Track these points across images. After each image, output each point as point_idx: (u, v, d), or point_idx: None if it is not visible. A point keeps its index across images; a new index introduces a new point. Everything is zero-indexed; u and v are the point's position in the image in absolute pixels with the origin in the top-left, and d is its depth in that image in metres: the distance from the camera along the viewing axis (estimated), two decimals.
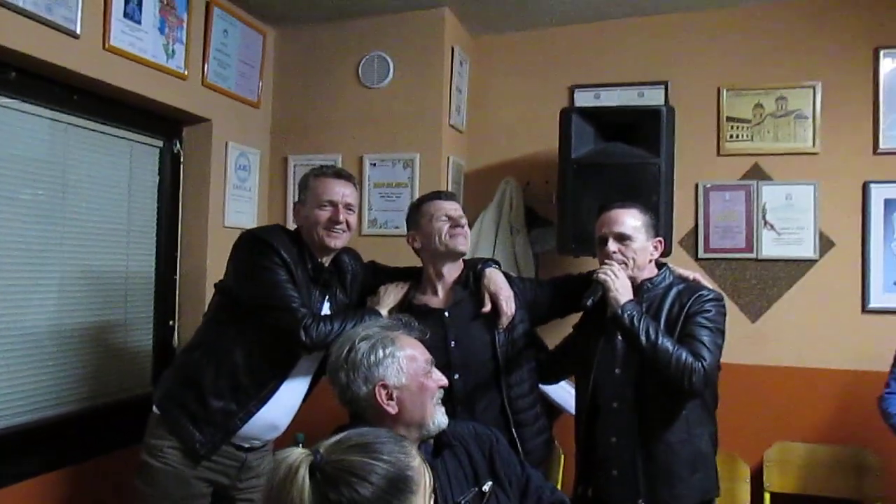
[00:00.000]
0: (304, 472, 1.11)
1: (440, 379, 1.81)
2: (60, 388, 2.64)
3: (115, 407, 2.83)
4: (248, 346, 2.18)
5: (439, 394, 1.79)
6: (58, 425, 2.61)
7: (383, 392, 1.73)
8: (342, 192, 2.26)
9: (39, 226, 2.56)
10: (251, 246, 2.19)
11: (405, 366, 1.76)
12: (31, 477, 2.49)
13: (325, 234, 2.23)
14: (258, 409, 2.19)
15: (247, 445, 2.27)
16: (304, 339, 2.08)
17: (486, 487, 1.80)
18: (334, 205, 2.24)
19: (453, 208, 2.34)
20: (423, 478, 1.21)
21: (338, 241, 2.26)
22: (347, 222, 2.26)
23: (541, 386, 2.51)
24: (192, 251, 3.15)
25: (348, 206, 2.26)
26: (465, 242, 2.34)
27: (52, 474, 2.57)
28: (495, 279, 2.32)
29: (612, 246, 2.21)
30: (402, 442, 1.25)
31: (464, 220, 2.34)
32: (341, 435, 1.22)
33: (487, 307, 2.28)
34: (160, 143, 3.09)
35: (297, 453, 1.15)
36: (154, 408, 2.23)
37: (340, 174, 2.32)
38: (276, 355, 2.19)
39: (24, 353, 2.51)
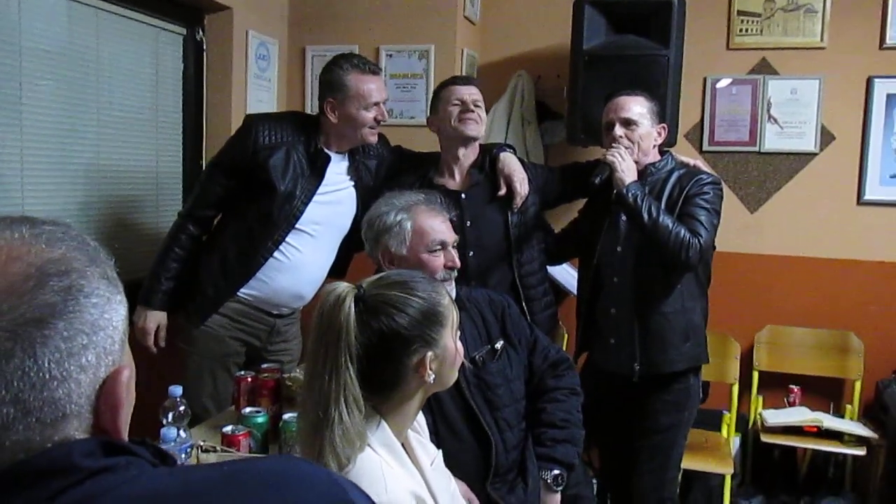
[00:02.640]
0: (349, 302, 1.30)
1: (450, 261, 1.93)
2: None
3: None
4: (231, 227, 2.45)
5: (443, 273, 1.91)
6: None
7: (386, 258, 1.92)
8: (382, 89, 2.41)
9: (71, 110, 2.66)
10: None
11: (408, 238, 1.91)
12: None
13: (370, 132, 2.40)
14: (245, 283, 2.41)
15: (275, 312, 2.48)
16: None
17: (497, 345, 1.99)
18: (378, 105, 2.37)
19: (468, 92, 2.42)
20: (451, 314, 1.41)
21: (376, 137, 2.45)
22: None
23: (548, 269, 2.70)
24: (216, 140, 3.26)
25: (385, 102, 2.42)
26: (476, 127, 2.42)
27: None
28: (510, 163, 2.45)
29: (619, 130, 2.35)
30: (434, 283, 1.45)
31: (478, 105, 2.42)
32: (383, 273, 1.42)
33: (503, 190, 2.41)
34: (183, 31, 3.17)
35: (344, 286, 1.34)
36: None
37: (377, 71, 2.44)
38: (252, 233, 2.40)
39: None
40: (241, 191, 2.42)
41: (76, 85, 2.68)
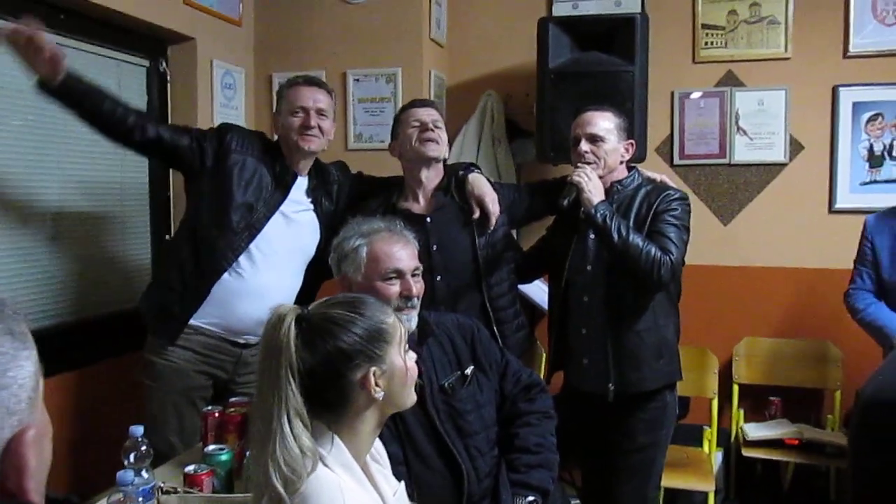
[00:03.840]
0: (290, 319, 1.32)
1: (405, 289, 1.89)
2: (65, 298, 2.77)
3: (118, 315, 2.96)
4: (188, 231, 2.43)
5: (398, 301, 1.88)
6: (62, 333, 2.73)
7: (345, 284, 1.93)
8: (313, 97, 2.41)
9: (35, 150, 2.63)
10: None
11: (363, 265, 1.90)
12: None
13: (299, 137, 2.39)
14: (208, 291, 2.36)
15: (241, 341, 2.43)
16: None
17: (468, 371, 1.96)
18: (306, 111, 2.39)
19: (427, 114, 2.41)
20: (398, 332, 1.42)
21: (311, 144, 2.41)
22: (320, 127, 2.40)
23: (520, 287, 2.67)
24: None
25: (320, 112, 2.41)
26: (436, 148, 2.39)
27: (63, 376, 2.71)
28: (479, 184, 2.43)
29: (584, 146, 2.33)
30: (381, 304, 1.46)
31: (437, 125, 2.40)
32: (332, 296, 1.42)
33: (476, 213, 2.38)
34: (146, 63, 3.14)
35: (287, 306, 1.36)
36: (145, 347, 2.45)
37: (311, 81, 2.47)
38: (209, 241, 2.37)
39: (24, 267, 2.62)
40: (197, 182, 2.42)
41: (40, 120, 2.65)
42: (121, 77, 3.02)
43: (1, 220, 2.52)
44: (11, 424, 0.63)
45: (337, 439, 1.35)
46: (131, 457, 1.74)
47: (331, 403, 1.36)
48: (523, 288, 2.80)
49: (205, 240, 2.36)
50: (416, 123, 2.39)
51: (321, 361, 1.33)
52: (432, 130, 2.38)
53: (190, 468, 1.80)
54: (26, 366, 0.65)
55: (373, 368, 1.36)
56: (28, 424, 0.64)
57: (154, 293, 2.47)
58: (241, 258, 2.36)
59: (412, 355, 1.47)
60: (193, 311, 2.37)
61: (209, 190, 2.38)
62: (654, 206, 2.29)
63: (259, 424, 1.32)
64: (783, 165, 3.44)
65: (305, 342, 1.33)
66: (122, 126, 2.27)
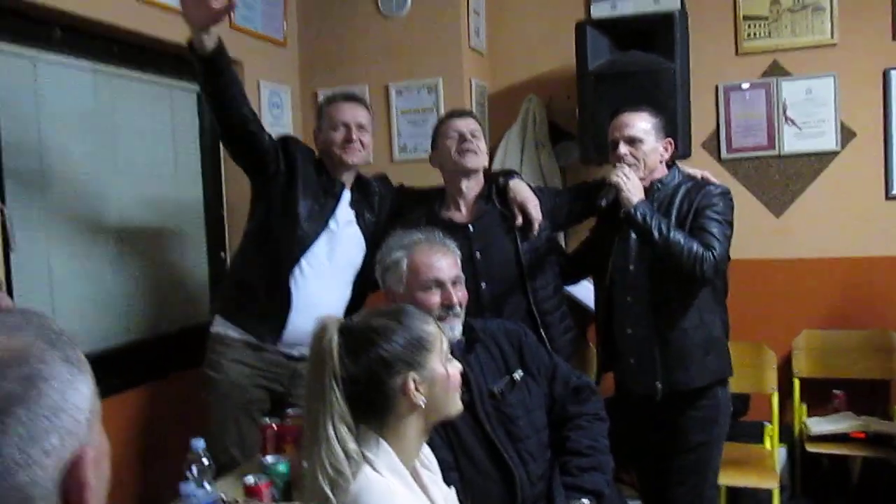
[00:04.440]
0: (333, 330, 1.39)
1: (446, 299, 1.93)
2: (129, 317, 2.89)
3: (180, 332, 3.08)
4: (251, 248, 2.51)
5: (439, 311, 1.91)
6: (127, 352, 2.83)
7: (389, 296, 1.98)
8: (353, 113, 2.49)
9: (94, 175, 2.75)
10: None
11: (405, 276, 1.95)
12: (108, 396, 2.77)
13: (342, 151, 2.47)
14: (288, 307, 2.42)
15: (296, 354, 2.49)
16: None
17: (517, 375, 1.98)
18: (347, 126, 2.46)
19: (465, 125, 2.44)
20: (439, 340, 1.47)
21: (354, 156, 2.49)
22: (361, 141, 2.47)
23: (567, 288, 2.68)
24: (236, 187, 3.34)
25: (360, 127, 2.49)
26: (474, 159, 2.42)
27: (128, 393, 2.83)
28: (521, 190, 2.45)
29: (623, 149, 2.34)
30: (422, 313, 1.52)
31: (476, 136, 2.43)
32: (375, 308, 1.49)
33: (520, 220, 2.40)
34: (197, 88, 3.25)
35: (332, 317, 1.44)
36: (212, 325, 2.50)
37: (350, 97, 2.56)
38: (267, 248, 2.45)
39: (90, 289, 2.74)
40: (268, 187, 2.47)
41: (97, 146, 2.77)
42: (173, 102, 3.14)
43: (67, 244, 2.65)
44: (72, 446, 0.68)
45: (384, 444, 1.39)
46: (194, 469, 1.82)
47: (374, 409, 1.41)
48: (572, 289, 2.81)
49: (274, 247, 2.44)
50: (455, 134, 2.43)
51: (363, 369, 1.39)
52: (470, 141, 2.41)
53: (250, 479, 1.87)
54: (83, 390, 0.70)
55: (413, 375, 1.41)
56: (87, 446, 0.69)
57: (238, 302, 2.52)
58: (294, 270, 2.43)
59: (455, 364, 1.50)
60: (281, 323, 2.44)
61: (279, 196, 2.45)
62: (696, 203, 2.28)
63: (308, 431, 1.39)
64: (835, 154, 3.37)
65: (349, 351, 1.39)
66: (240, 109, 2.28)
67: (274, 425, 2.16)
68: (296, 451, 2.07)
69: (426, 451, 1.55)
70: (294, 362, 2.51)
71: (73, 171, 2.68)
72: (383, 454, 1.39)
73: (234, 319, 2.47)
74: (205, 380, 2.50)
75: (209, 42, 2.12)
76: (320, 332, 1.40)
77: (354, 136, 2.46)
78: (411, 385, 1.40)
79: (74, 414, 0.68)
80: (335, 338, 1.39)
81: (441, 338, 1.48)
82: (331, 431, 1.34)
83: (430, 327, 1.47)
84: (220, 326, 2.49)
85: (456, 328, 1.94)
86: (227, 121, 2.30)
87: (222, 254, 3.33)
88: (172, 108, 3.14)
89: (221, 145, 3.29)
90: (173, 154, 3.13)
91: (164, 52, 2.98)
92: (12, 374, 0.65)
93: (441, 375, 1.45)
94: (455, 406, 1.50)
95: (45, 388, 0.66)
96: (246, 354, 2.45)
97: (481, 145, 2.46)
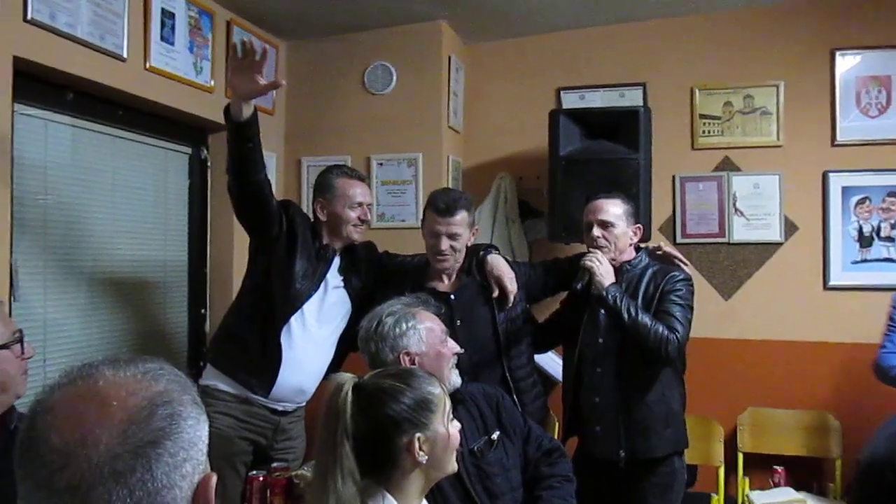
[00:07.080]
0: (348, 387, 1.53)
1: (454, 347, 2.15)
2: None
3: None
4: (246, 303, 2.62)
5: (454, 359, 2.14)
6: None
7: (407, 359, 2.08)
8: (366, 193, 2.67)
9: (92, 229, 2.88)
10: None
11: (425, 336, 2.10)
12: None
13: (354, 230, 2.63)
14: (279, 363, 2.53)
15: (280, 409, 2.61)
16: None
17: (494, 436, 2.15)
18: (362, 206, 2.63)
19: (445, 226, 2.53)
20: (442, 402, 1.61)
21: (361, 235, 2.68)
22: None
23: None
24: (219, 246, 3.47)
25: (369, 206, 2.67)
26: (448, 264, 2.59)
27: None
28: (498, 264, 2.64)
29: (596, 231, 2.56)
30: (428, 376, 1.66)
31: (454, 236, 2.53)
32: (384, 369, 1.63)
33: (496, 292, 2.59)
34: (189, 150, 3.41)
35: (347, 376, 1.57)
36: (203, 377, 2.61)
37: (363, 177, 2.72)
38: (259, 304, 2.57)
39: (80, 339, 2.83)
40: (269, 248, 2.57)
41: (99, 203, 2.90)
42: (167, 163, 3.29)
43: (62, 293, 2.74)
44: (199, 472, 0.84)
45: (389, 497, 1.52)
46: None
47: (380, 464, 1.53)
48: (537, 359, 2.99)
49: (269, 303, 2.56)
50: (433, 236, 2.56)
51: (372, 426, 1.52)
52: (444, 251, 2.54)
53: None
54: (205, 427, 0.86)
55: (418, 434, 1.54)
56: (209, 473, 0.85)
57: (233, 348, 2.61)
58: (285, 327, 2.55)
59: (456, 424, 1.65)
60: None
61: (278, 256, 2.57)
62: (661, 287, 2.50)
63: (316, 481, 1.51)
64: (779, 244, 3.67)
65: (360, 408, 1.52)
66: (259, 175, 2.43)
67: (261, 476, 2.25)
68: None
69: None
70: (278, 416, 2.61)
71: (73, 225, 2.80)
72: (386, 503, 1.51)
73: (227, 371, 2.57)
74: None
75: (247, 111, 2.31)
76: (336, 389, 1.53)
77: (368, 217, 2.66)
78: (416, 444, 1.53)
79: (201, 446, 0.84)
80: (349, 395, 1.52)
81: (445, 399, 1.62)
82: (339, 483, 1.45)
83: (436, 389, 1.61)
84: (212, 379, 2.58)
85: (458, 378, 2.15)
86: (245, 183, 2.44)
87: (203, 310, 3.43)
88: (166, 168, 3.29)
89: (211, 204, 3.45)
90: (163, 211, 3.26)
91: (162, 115, 3.14)
92: (160, 412, 0.81)
93: (443, 435, 1.58)
94: (452, 465, 1.64)
95: (183, 426, 0.82)
96: (233, 407, 2.55)
97: (457, 245, 2.56)
